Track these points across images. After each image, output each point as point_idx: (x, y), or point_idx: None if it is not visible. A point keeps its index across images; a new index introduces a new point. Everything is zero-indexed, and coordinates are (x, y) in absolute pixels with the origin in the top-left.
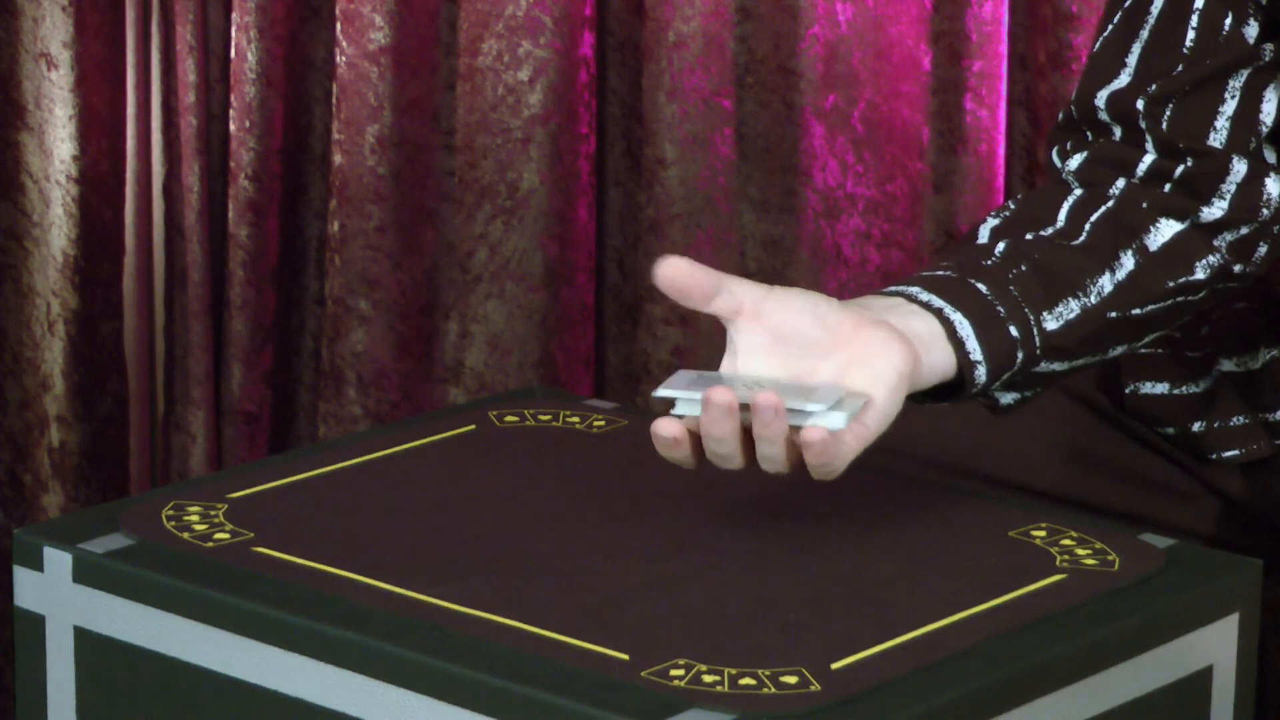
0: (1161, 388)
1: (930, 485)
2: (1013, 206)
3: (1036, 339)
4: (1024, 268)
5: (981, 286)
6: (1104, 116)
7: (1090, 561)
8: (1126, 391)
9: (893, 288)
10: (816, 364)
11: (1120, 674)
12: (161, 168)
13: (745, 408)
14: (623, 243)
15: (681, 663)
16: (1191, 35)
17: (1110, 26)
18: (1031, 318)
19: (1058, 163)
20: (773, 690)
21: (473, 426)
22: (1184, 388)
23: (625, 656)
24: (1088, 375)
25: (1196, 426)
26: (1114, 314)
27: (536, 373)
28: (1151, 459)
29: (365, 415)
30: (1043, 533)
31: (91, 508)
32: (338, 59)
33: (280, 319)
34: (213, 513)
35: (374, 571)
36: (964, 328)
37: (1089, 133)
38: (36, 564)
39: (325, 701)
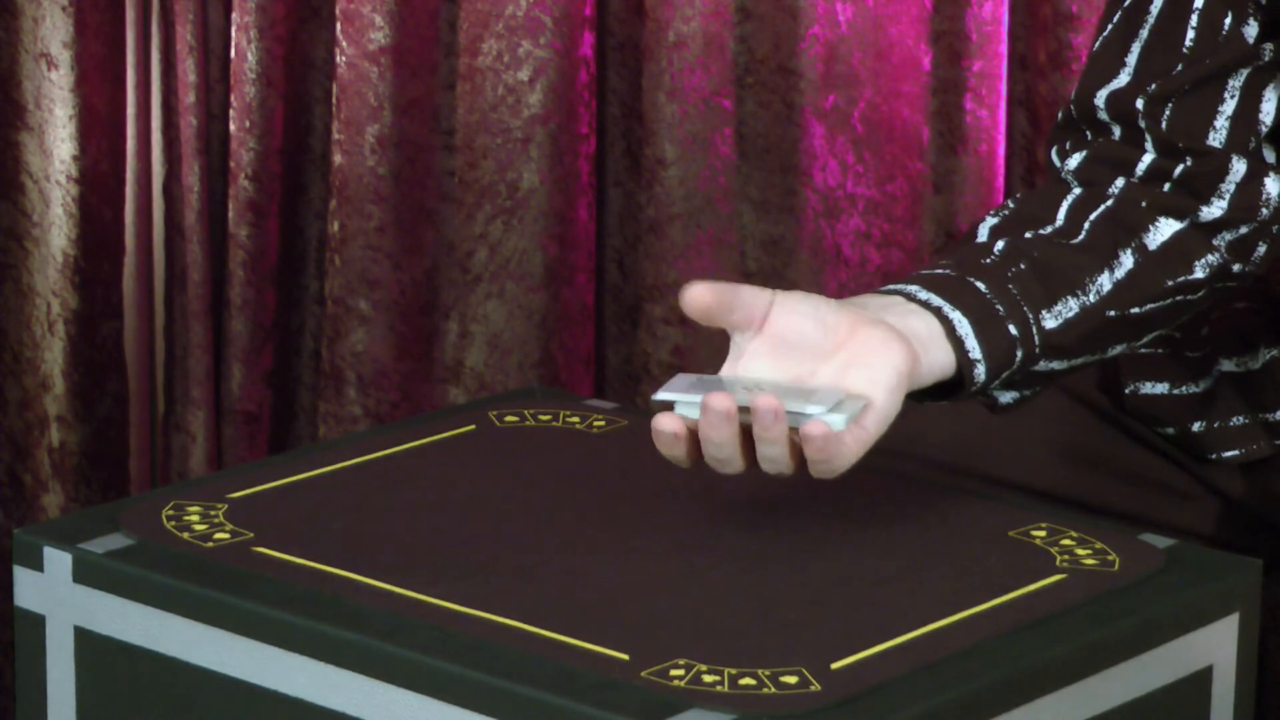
0: (1161, 388)
1: (930, 485)
2: (1012, 205)
3: (1035, 338)
4: (1023, 266)
5: (980, 285)
6: (1103, 116)
7: (1090, 561)
8: (1126, 391)
9: (891, 286)
10: (817, 366)
11: (1120, 674)
12: (161, 168)
13: (745, 410)
14: (623, 243)
15: (681, 663)
16: (1191, 35)
17: (1110, 26)
18: (1030, 316)
19: (1057, 162)
20: (773, 690)
21: (473, 426)
22: (1184, 388)
23: (625, 656)
24: (1087, 375)
25: (1196, 426)
26: (1113, 313)
27: (536, 373)
28: (1151, 459)
29: (365, 415)
30: (1043, 533)
31: (91, 508)
32: (338, 59)
33: (280, 319)
34: (213, 513)
35: (374, 571)
36: (963, 326)
37: (1088, 132)
38: (36, 564)
39: (325, 701)
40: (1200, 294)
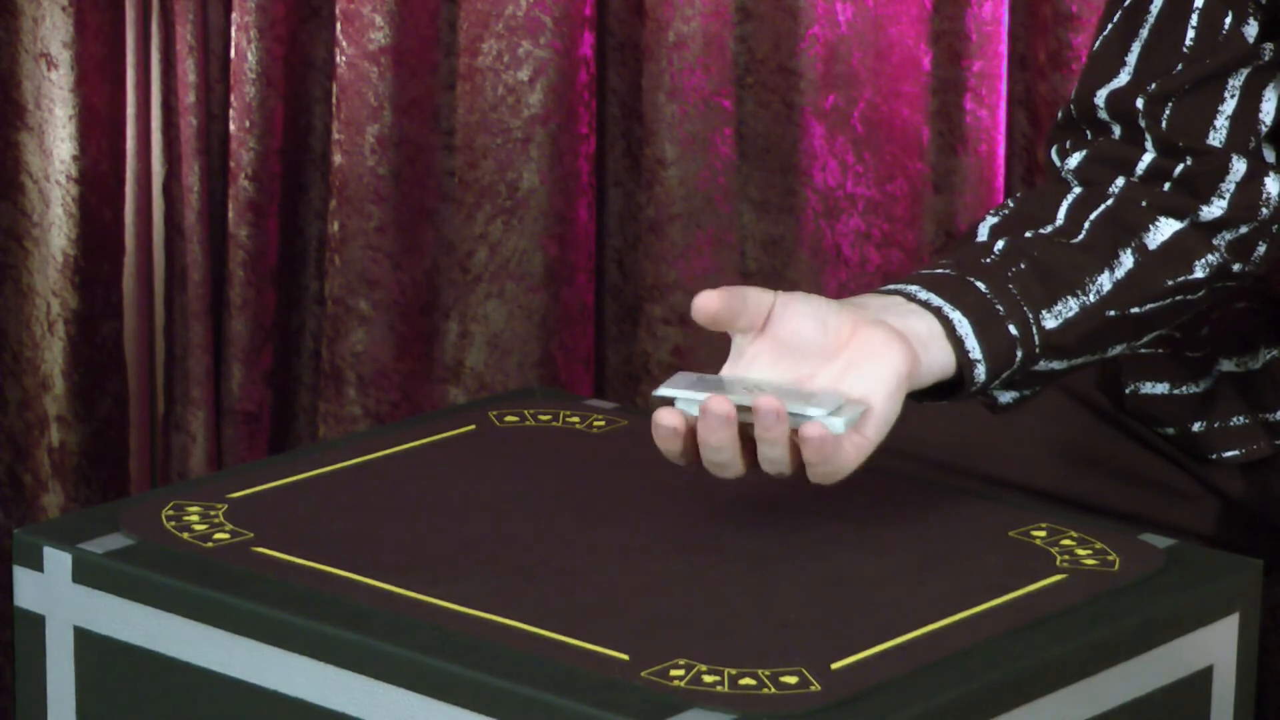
0: (1161, 388)
1: (930, 485)
2: (1012, 205)
3: (1035, 338)
4: (1023, 266)
5: (980, 285)
6: (1103, 115)
7: (1090, 561)
8: (1126, 391)
9: (891, 286)
10: (817, 369)
11: (1120, 674)
12: (161, 168)
13: (745, 410)
14: (623, 243)
15: (681, 663)
16: (1191, 34)
17: (1110, 25)
18: (1030, 316)
19: (1057, 161)
20: (773, 690)
21: (473, 426)
22: (1184, 388)
23: (625, 656)
24: (1087, 375)
25: (1196, 426)
26: (1113, 313)
27: (536, 373)
28: (1151, 459)
29: (365, 415)
30: (1043, 533)
31: (91, 508)
32: (338, 59)
33: (280, 319)
34: (213, 513)
35: (374, 571)
36: (963, 326)
37: (1088, 131)
38: (36, 564)
39: (325, 701)
40: (1200, 294)
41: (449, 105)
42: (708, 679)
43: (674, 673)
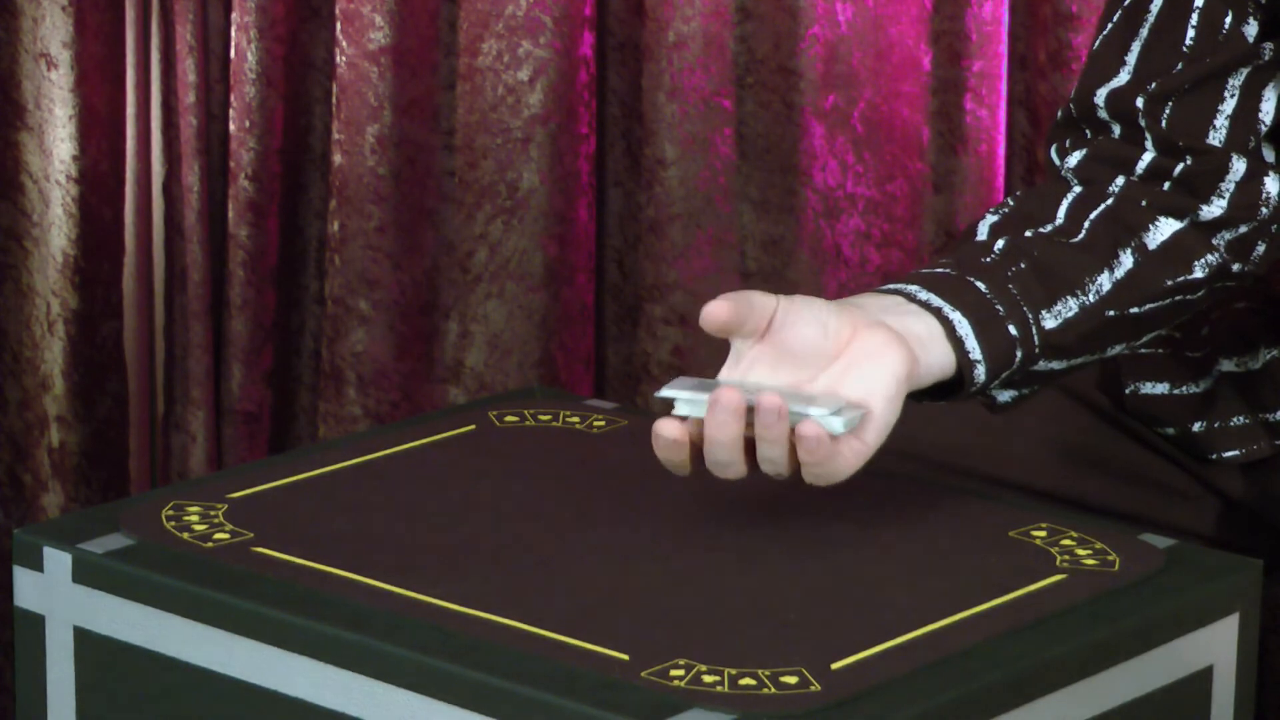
0: (1161, 388)
1: (930, 485)
2: (1011, 204)
3: (1035, 338)
4: (1023, 265)
5: (980, 285)
6: (1103, 114)
7: (1090, 561)
8: (1126, 391)
9: (891, 285)
10: (817, 372)
11: (1120, 674)
12: (161, 168)
13: (746, 411)
14: (623, 243)
15: (681, 663)
16: (1191, 34)
17: (1110, 25)
18: (1030, 316)
19: (1057, 160)
20: (773, 690)
21: (473, 426)
22: (1184, 388)
23: (625, 656)
24: (1087, 375)
25: (1196, 426)
26: (1112, 312)
27: (536, 373)
28: (1151, 459)
29: (365, 415)
30: (1043, 533)
31: (91, 508)
32: (338, 59)
33: (280, 319)
34: (213, 513)
35: (374, 571)
36: (963, 327)
37: (1088, 130)
38: (36, 564)
39: (325, 701)
40: (1200, 294)
41: (449, 105)
42: (708, 679)
43: (674, 673)
